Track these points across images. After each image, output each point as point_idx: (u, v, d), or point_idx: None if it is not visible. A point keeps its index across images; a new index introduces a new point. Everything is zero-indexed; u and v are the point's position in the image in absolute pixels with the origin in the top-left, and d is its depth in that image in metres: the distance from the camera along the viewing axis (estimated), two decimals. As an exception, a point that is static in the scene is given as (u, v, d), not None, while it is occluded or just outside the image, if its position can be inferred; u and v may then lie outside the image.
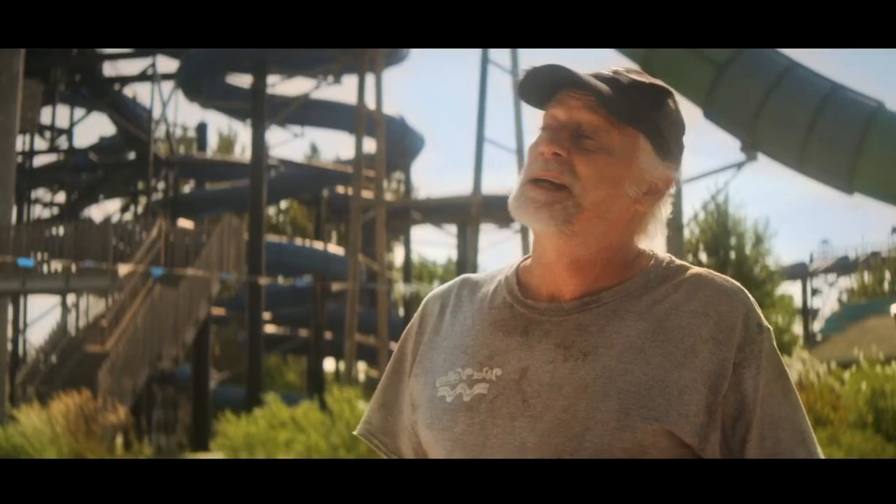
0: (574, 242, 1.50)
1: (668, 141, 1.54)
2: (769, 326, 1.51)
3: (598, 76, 1.53)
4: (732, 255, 26.79)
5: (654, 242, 1.58)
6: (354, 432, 1.73)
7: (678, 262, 1.56)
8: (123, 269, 18.94)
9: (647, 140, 1.52)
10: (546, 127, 1.53)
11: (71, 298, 22.98)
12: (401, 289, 34.59)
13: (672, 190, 1.57)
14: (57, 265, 19.38)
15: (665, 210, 1.57)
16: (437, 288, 1.69)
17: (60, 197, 29.79)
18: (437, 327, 1.63)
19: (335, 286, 27.49)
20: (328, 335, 31.73)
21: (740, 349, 1.46)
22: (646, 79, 1.55)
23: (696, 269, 1.55)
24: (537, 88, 1.54)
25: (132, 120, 27.10)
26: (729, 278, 1.53)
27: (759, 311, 1.51)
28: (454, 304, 1.63)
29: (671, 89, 1.57)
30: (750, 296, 1.51)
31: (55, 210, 29.61)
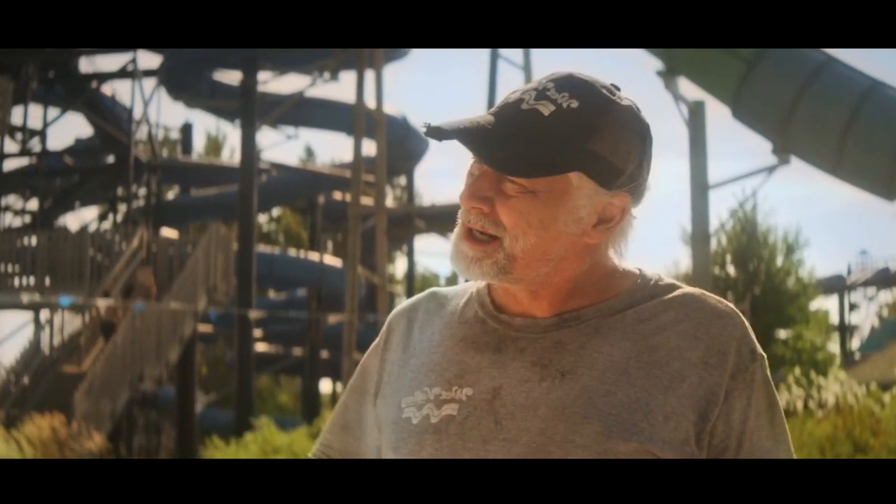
0: (522, 285, 1.51)
1: (613, 163, 1.47)
2: (763, 354, 1.51)
3: (515, 116, 1.46)
4: (763, 266, 26.74)
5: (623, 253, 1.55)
6: (309, 454, 1.71)
7: (668, 280, 1.56)
8: (102, 303, 18.95)
9: (582, 174, 1.46)
10: (470, 173, 1.51)
11: (45, 314, 23.00)
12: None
13: (634, 204, 1.52)
14: (29, 278, 19.39)
15: (629, 227, 1.53)
16: (404, 302, 1.68)
17: (33, 204, 29.80)
18: (405, 344, 1.62)
19: (332, 318, 27.47)
20: (324, 353, 31.74)
21: (733, 377, 1.47)
22: (576, 98, 1.46)
23: (687, 289, 1.54)
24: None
25: (111, 120, 27.13)
26: (723, 300, 1.52)
27: (753, 336, 1.51)
28: (422, 320, 1.63)
29: (609, 97, 1.48)
30: (745, 319, 1.51)
31: (27, 218, 29.65)
